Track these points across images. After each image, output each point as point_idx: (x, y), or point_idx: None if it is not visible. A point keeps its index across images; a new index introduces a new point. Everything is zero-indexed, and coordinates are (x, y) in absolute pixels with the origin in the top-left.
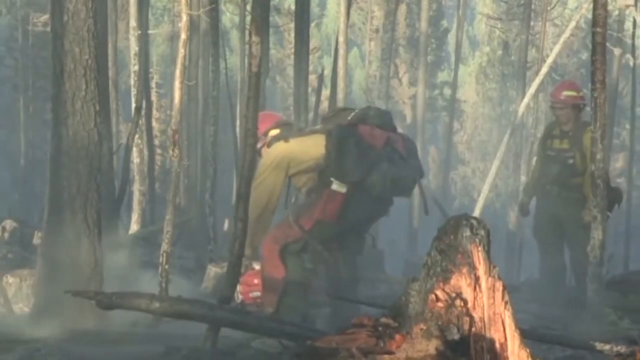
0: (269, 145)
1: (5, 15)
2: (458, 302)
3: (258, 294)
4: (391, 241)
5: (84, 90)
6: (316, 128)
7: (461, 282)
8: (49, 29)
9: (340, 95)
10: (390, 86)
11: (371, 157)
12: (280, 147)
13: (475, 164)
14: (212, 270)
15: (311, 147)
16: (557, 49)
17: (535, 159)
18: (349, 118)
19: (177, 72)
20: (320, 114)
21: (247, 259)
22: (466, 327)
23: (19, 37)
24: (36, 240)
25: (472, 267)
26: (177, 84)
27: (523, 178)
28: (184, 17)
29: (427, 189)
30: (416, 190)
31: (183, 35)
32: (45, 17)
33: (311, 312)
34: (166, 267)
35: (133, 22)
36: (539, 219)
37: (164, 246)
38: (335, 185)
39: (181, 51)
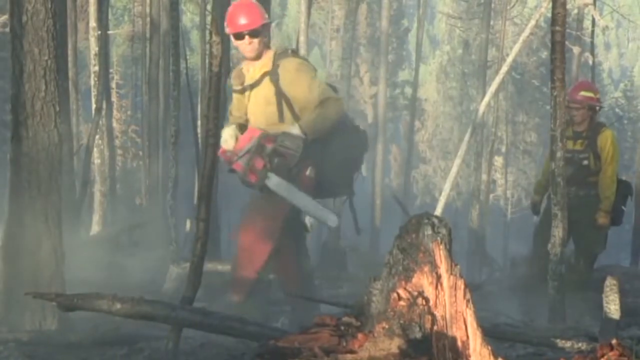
0: (284, 56)
1: None
2: (420, 300)
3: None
4: (352, 240)
5: (44, 91)
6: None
7: (423, 280)
8: (7, 29)
9: None
10: (352, 85)
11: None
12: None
13: (436, 162)
14: (174, 271)
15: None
16: (517, 47)
17: (546, 158)
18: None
19: None
20: None
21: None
22: (428, 325)
23: None
24: None
25: (434, 266)
26: None
27: (484, 176)
28: None
29: (388, 187)
30: (379, 190)
31: None
32: (4, 17)
33: (273, 310)
34: None
35: (93, 23)
36: (546, 219)
37: None
38: (310, 171)
39: None
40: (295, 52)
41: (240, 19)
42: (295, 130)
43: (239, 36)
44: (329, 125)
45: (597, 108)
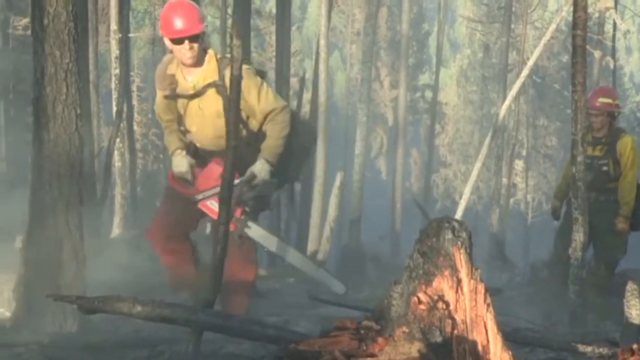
0: (227, 64)
1: None
2: (440, 304)
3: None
4: (373, 244)
5: (65, 94)
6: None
7: (443, 284)
8: (29, 32)
9: (322, 98)
10: (372, 89)
11: None
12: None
13: (456, 166)
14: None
15: None
16: (537, 51)
17: (566, 163)
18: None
19: None
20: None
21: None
22: (448, 329)
23: None
24: (18, 244)
25: (454, 270)
26: None
27: (504, 180)
28: None
29: (409, 191)
30: (399, 194)
31: None
32: (26, 20)
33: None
34: None
35: (114, 25)
36: (566, 224)
37: None
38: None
39: None
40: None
41: (178, 22)
42: (265, 170)
43: (178, 41)
44: (286, 139)
45: (616, 114)
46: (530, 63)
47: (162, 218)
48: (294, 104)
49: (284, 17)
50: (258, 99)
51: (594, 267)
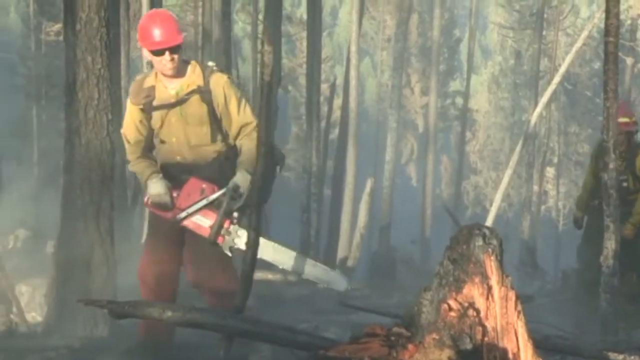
0: (211, 72)
1: (18, 23)
2: (471, 311)
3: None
4: (404, 247)
5: (97, 100)
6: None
7: (474, 291)
8: (61, 38)
9: (352, 104)
10: (403, 95)
11: None
12: None
13: (487, 173)
14: None
15: None
16: (569, 58)
17: (586, 173)
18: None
19: None
20: (332, 123)
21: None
22: (479, 336)
23: (32, 46)
24: (49, 249)
25: (485, 277)
26: None
27: (535, 187)
28: None
29: (439, 198)
30: (430, 201)
31: None
32: (58, 26)
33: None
34: None
35: None
36: (588, 235)
37: None
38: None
39: None
40: (219, 67)
41: (158, 33)
42: (247, 180)
43: (159, 52)
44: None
45: (635, 131)
46: (562, 70)
47: (149, 255)
48: (324, 109)
49: (314, 23)
50: (238, 109)
51: (623, 275)
